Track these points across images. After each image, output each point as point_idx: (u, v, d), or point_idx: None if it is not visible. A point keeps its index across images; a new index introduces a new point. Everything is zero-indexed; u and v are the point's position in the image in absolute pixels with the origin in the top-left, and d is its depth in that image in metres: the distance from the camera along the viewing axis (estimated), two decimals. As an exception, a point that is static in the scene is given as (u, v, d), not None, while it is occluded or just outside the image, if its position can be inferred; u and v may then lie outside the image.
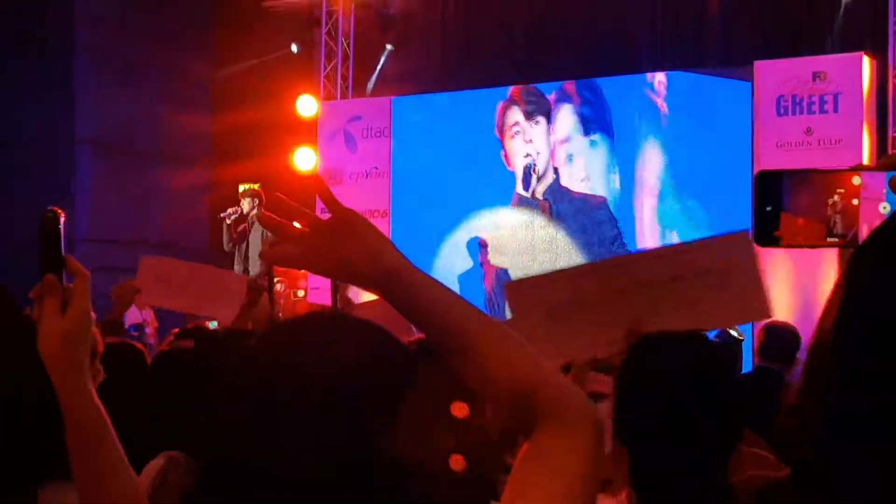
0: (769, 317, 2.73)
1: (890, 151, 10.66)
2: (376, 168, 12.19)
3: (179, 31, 13.31)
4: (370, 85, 11.99)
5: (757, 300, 2.59)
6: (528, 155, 11.41)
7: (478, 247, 11.67)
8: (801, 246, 1.44)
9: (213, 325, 4.69)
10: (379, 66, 12.39)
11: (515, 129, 11.52)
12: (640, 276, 2.51)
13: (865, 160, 10.49)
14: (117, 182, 12.48)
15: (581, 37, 11.86)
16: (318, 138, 12.42)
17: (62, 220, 1.68)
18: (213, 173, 13.26)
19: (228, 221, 10.16)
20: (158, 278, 4.10)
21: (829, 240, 1.41)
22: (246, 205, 10.19)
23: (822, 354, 0.89)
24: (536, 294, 2.52)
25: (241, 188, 10.50)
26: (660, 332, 2.20)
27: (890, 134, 10.70)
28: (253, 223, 10.31)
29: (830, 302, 0.91)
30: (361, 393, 1.05)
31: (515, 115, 11.55)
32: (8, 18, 12.27)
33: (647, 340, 2.18)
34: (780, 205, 1.40)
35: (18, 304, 1.81)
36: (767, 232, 1.41)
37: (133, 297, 4.37)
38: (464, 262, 11.77)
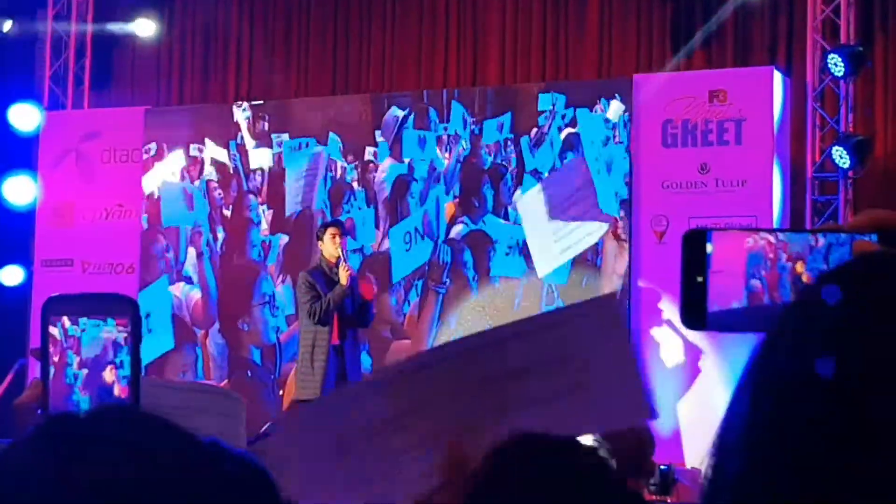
0: (655, 416, 1.96)
1: (809, 197, 8.45)
2: (121, 206, 10.42)
3: None
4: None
5: (634, 394, 1.84)
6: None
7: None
8: (733, 331, 1.16)
9: None
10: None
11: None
12: (470, 374, 1.88)
13: (776, 207, 8.22)
14: None
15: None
16: (39, 162, 10.69)
17: None
18: None
19: None
20: None
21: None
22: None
23: (727, 455, 0.87)
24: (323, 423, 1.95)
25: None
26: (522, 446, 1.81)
27: (809, 174, 8.42)
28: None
29: (736, 395, 0.88)
30: None
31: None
32: None
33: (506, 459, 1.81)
34: (708, 274, 1.19)
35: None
36: (698, 311, 1.17)
37: None
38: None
